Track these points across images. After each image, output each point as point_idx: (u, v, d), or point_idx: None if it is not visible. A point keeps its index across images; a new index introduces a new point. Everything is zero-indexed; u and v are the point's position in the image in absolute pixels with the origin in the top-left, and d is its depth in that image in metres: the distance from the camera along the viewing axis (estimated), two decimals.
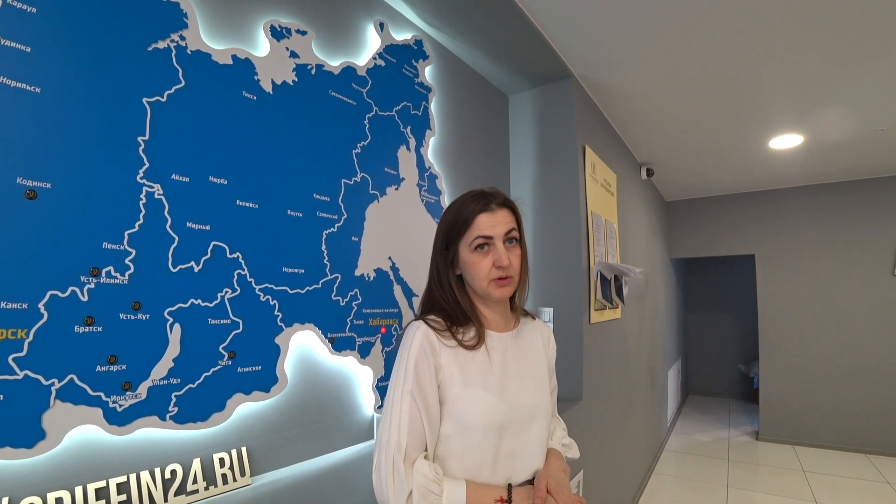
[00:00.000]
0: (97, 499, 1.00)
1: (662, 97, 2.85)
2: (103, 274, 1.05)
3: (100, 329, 1.04)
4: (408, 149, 1.91)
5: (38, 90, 0.98)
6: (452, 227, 0.99)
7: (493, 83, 2.62)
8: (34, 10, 0.98)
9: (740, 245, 5.33)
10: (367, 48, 1.78)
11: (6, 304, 0.92)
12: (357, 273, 1.64)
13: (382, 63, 1.82)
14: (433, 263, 1.05)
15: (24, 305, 0.94)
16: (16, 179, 0.95)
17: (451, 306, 1.00)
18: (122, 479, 1.05)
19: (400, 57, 1.91)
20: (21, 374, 0.93)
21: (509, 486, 0.94)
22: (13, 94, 0.95)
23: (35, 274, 0.96)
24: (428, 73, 2.06)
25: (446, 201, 2.11)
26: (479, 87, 2.50)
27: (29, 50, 0.97)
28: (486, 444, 0.93)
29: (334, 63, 1.63)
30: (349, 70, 1.68)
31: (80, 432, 1.00)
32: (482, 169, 2.46)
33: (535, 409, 1.00)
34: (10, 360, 0.92)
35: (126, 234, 1.09)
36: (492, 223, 0.96)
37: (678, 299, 6.32)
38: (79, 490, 0.98)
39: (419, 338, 0.94)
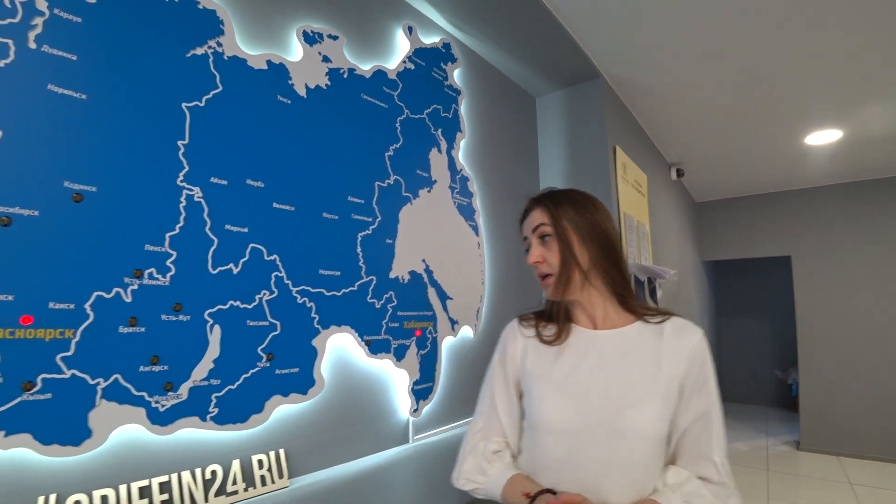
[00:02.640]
0: (140, 497, 1.01)
1: (693, 94, 2.79)
2: (146, 275, 1.06)
3: (143, 330, 1.05)
4: (439, 151, 1.90)
5: (83, 97, 1.01)
6: None
7: (521, 85, 2.61)
8: (79, 19, 1.01)
9: (775, 246, 5.16)
10: (397, 52, 1.79)
11: (54, 305, 0.94)
12: (392, 275, 1.64)
13: (412, 66, 1.82)
14: None
15: (71, 306, 0.96)
16: (63, 183, 0.97)
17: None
18: (165, 478, 1.05)
19: (429, 60, 1.91)
20: (68, 374, 0.94)
21: (548, 490, 0.86)
22: (60, 101, 0.98)
23: (81, 275, 0.98)
24: (456, 75, 2.06)
25: (478, 204, 2.10)
26: (507, 89, 2.49)
27: (75, 58, 1.00)
28: (549, 447, 0.89)
29: (365, 67, 1.64)
30: (380, 73, 1.68)
31: (124, 431, 1.01)
32: (512, 171, 2.45)
33: (618, 424, 0.84)
34: (58, 359, 0.93)
35: (167, 236, 1.10)
36: (526, 225, 0.99)
37: (710, 303, 6.17)
38: (123, 489, 0.99)
39: (506, 332, 1.02)
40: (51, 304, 0.94)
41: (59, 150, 0.97)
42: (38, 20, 0.96)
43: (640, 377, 0.87)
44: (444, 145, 1.93)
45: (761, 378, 6.72)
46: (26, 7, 0.94)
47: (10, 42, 0.92)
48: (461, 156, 2.03)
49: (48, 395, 0.92)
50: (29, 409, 0.89)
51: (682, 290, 4.18)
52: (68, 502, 0.92)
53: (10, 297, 0.89)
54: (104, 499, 0.96)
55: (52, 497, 0.91)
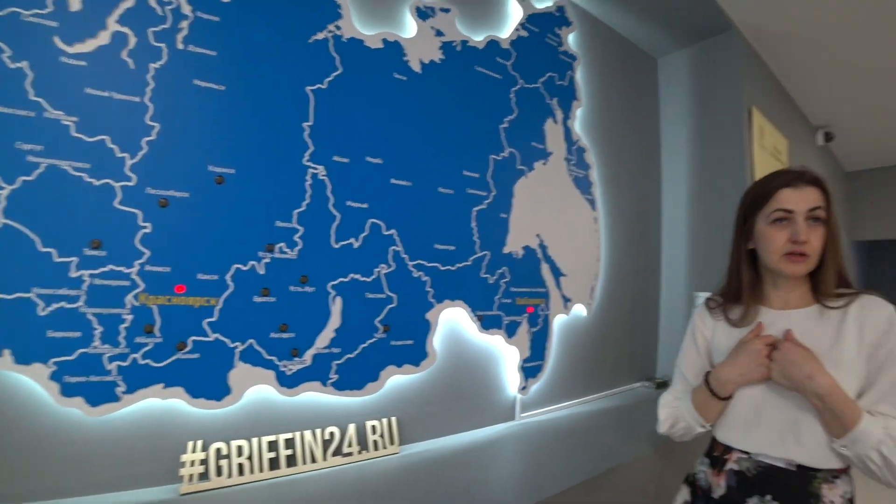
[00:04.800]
0: (269, 450, 1.12)
1: (846, 43, 2.38)
2: (276, 249, 1.15)
3: (274, 300, 1.14)
4: (555, 121, 1.83)
5: (222, 88, 1.11)
6: (754, 200, 1.01)
7: (641, 46, 2.41)
8: (217, 18, 1.11)
9: None
10: (510, 20, 1.73)
11: (202, 276, 1.06)
12: (505, 251, 1.62)
13: (525, 34, 1.75)
14: (733, 238, 1.09)
15: (215, 277, 1.07)
16: (207, 167, 1.08)
17: (732, 279, 1.05)
18: (290, 435, 1.16)
19: (542, 26, 1.82)
20: (213, 337, 1.06)
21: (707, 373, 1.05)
22: (204, 93, 1.09)
23: (223, 249, 1.09)
24: (571, 40, 1.95)
25: (595, 176, 2.00)
26: (626, 51, 2.32)
27: (215, 54, 1.10)
28: (738, 408, 1.00)
29: (478, 38, 1.61)
30: (493, 44, 1.64)
31: (256, 391, 1.13)
32: (632, 139, 2.30)
33: (801, 390, 0.91)
34: (204, 323, 1.05)
35: (294, 213, 1.18)
36: (795, 198, 0.94)
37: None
38: (255, 441, 1.11)
39: (695, 317, 1.13)
40: (199, 275, 1.05)
41: (204, 137, 1.08)
42: (185, 23, 1.07)
43: (825, 350, 0.92)
44: (559, 115, 1.84)
45: None
46: (175, 13, 1.05)
47: (163, 46, 1.04)
48: (577, 125, 1.94)
49: (197, 355, 1.04)
50: (182, 366, 1.03)
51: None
52: (211, 448, 1.06)
53: (168, 269, 1.02)
54: (240, 448, 1.09)
55: (199, 442, 1.05)
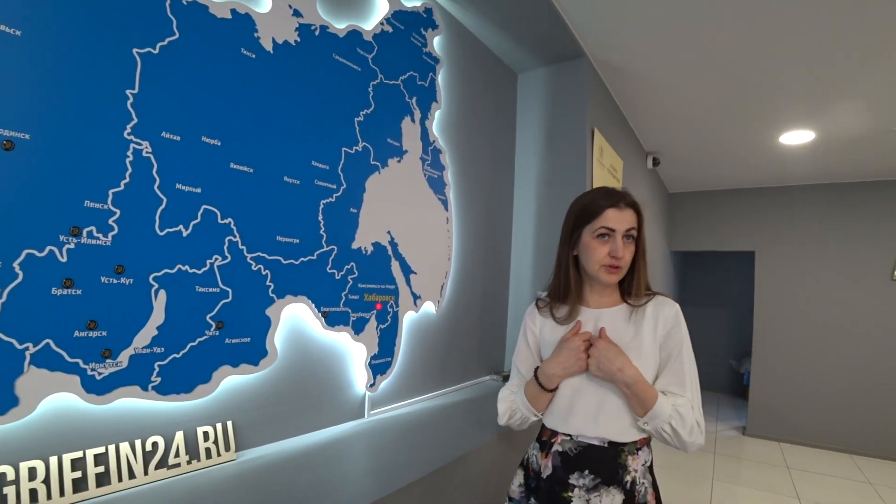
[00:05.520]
0: (73, 469, 0.95)
1: (674, 84, 2.76)
2: (84, 234, 0.98)
3: (79, 292, 0.97)
4: (412, 120, 1.83)
5: (18, 33, 0.90)
6: (582, 213, 1.14)
7: (503, 59, 2.53)
8: None
9: (741, 241, 5.28)
10: (375, 13, 1.70)
11: None
12: (354, 246, 1.58)
13: (390, 29, 1.73)
14: (559, 244, 1.22)
15: None
16: None
17: (559, 280, 1.20)
18: (101, 450, 1.00)
19: (408, 24, 1.82)
20: None
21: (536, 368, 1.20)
22: None
23: (10, 231, 0.89)
24: (436, 43, 1.98)
25: (450, 177, 2.05)
26: (489, 62, 2.41)
27: None
28: (561, 396, 1.15)
29: (340, 25, 1.55)
30: (355, 34, 1.59)
31: (55, 400, 0.95)
32: (488, 146, 2.39)
33: (613, 380, 1.09)
34: None
35: (110, 192, 1.02)
36: (617, 219, 1.09)
37: (674, 292, 6.29)
38: (53, 460, 0.93)
39: (527, 315, 1.29)
40: None
41: None
42: None
43: (628, 342, 1.11)
44: (417, 115, 1.86)
45: (716, 366, 6.95)
46: None
47: None
48: (435, 127, 1.97)
49: None
50: None
51: (651, 278, 4.23)
52: None
53: None
54: (32, 471, 0.90)
55: None
